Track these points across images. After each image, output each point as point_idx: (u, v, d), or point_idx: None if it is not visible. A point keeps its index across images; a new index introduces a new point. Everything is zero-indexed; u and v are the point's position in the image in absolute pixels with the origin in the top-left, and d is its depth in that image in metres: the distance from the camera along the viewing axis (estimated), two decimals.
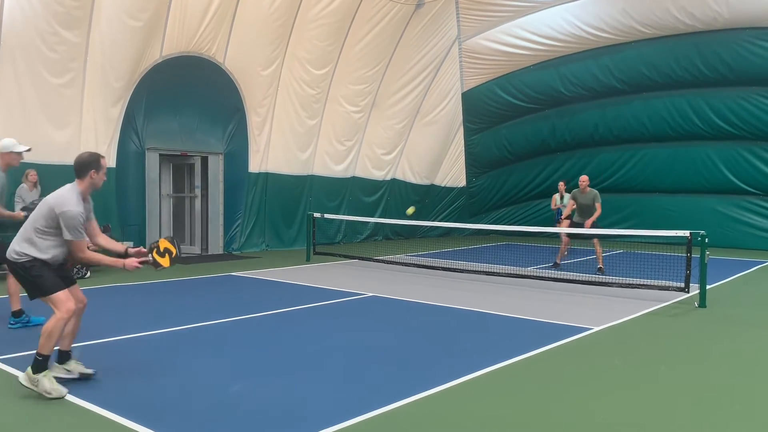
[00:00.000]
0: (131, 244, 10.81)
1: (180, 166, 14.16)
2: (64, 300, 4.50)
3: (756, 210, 15.76)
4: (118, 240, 7.09)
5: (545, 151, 18.25)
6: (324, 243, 14.61)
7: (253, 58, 13.47)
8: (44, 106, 10.81)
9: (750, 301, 9.04)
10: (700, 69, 15.15)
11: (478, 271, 10.67)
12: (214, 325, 6.91)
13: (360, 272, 11.27)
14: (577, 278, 9.73)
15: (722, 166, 15.91)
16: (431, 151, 17.97)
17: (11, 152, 6.47)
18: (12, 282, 6.45)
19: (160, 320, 7.04)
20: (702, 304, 8.18)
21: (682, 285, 8.49)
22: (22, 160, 6.77)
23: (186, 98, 13.02)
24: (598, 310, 8.05)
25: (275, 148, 14.50)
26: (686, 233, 8.46)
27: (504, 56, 16.80)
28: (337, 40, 14.65)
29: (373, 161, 16.81)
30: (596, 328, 6.93)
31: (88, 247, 4.69)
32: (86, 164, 4.66)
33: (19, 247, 4.57)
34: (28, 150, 6.58)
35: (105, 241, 4.97)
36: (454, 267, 11.24)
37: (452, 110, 17.83)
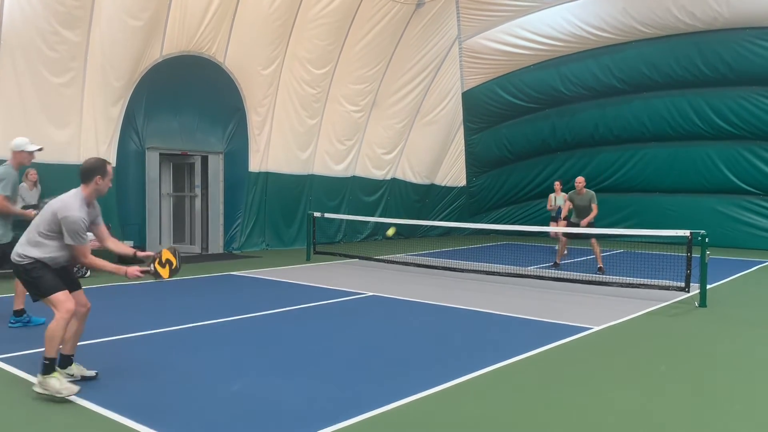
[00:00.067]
0: (131, 243, 10.87)
1: (180, 166, 14.16)
2: (63, 300, 4.51)
3: (756, 210, 15.75)
4: (117, 240, 7.07)
5: (545, 150, 18.25)
6: (324, 242, 14.61)
7: (253, 58, 13.47)
8: (44, 105, 10.81)
9: (750, 300, 9.04)
10: (700, 69, 15.14)
11: (478, 270, 10.67)
12: (214, 325, 6.91)
13: (360, 272, 11.27)
14: (577, 278, 9.73)
15: (722, 166, 15.90)
16: (431, 151, 17.97)
17: (23, 151, 6.59)
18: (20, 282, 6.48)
19: (160, 320, 7.04)
20: (702, 303, 8.18)
21: (683, 285, 8.50)
22: (34, 160, 6.86)
23: (186, 98, 13.02)
24: (598, 310, 8.05)
25: (275, 148, 14.50)
26: (687, 233, 8.46)
27: (504, 56, 16.79)
28: (338, 39, 14.65)
29: (373, 161, 16.81)
30: (596, 328, 6.93)
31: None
32: (92, 170, 4.67)
33: (22, 250, 4.60)
34: (40, 149, 6.71)
35: (114, 244, 4.99)
36: (455, 267, 11.23)
37: (452, 110, 17.83)
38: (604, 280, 9.70)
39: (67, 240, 4.52)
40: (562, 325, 7.08)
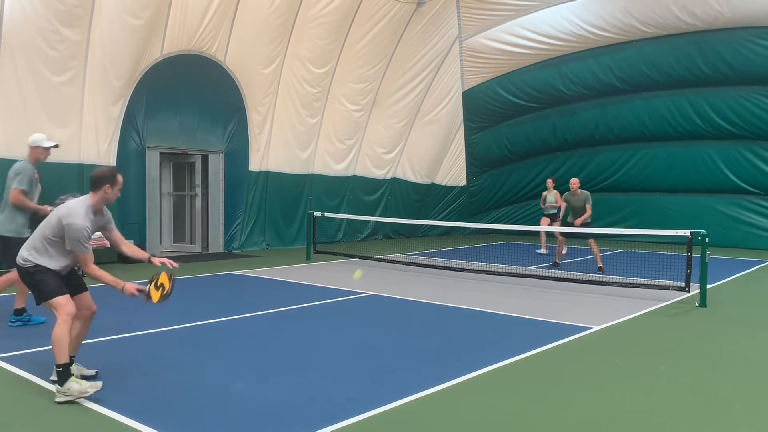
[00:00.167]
0: (131, 242, 10.85)
1: (180, 165, 14.16)
2: (64, 304, 4.54)
3: (756, 209, 15.75)
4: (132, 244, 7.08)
5: (546, 150, 18.24)
6: (324, 242, 14.61)
7: (253, 57, 13.46)
8: (45, 104, 10.80)
9: (750, 300, 9.04)
10: (701, 68, 15.13)
11: (478, 270, 10.67)
12: (214, 324, 6.92)
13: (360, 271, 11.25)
14: (577, 278, 9.73)
15: (723, 166, 15.90)
16: (432, 150, 17.96)
17: (38, 147, 6.66)
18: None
19: (160, 319, 7.03)
20: (702, 303, 8.18)
21: (683, 284, 8.50)
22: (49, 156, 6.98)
23: (186, 97, 13.01)
24: (598, 310, 8.05)
25: (276, 147, 14.49)
26: (687, 233, 8.45)
27: (505, 55, 16.78)
28: (338, 38, 14.65)
29: (373, 160, 16.80)
30: (596, 328, 6.93)
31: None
32: (102, 178, 4.69)
33: (27, 253, 4.63)
34: (56, 146, 6.81)
35: (129, 249, 5.00)
36: (455, 266, 11.23)
37: (453, 109, 17.82)
38: (604, 279, 9.70)
39: (68, 247, 4.55)
40: (562, 324, 7.08)
